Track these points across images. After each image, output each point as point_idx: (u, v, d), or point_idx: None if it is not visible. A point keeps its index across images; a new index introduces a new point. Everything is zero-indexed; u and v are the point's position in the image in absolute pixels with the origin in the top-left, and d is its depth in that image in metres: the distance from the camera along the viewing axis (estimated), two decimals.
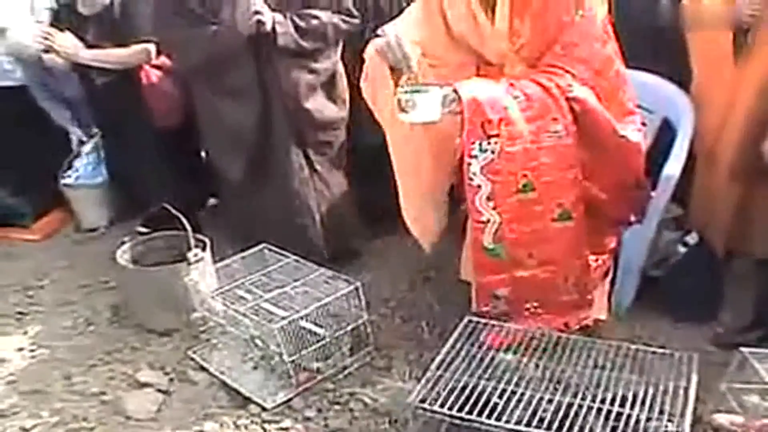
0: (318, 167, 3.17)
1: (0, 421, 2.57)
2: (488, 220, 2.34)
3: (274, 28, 2.89)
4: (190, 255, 2.91)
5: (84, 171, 3.89)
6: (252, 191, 3.19)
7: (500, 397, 2.21)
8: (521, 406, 2.17)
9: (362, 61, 2.53)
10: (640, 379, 2.26)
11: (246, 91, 3.00)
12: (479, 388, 2.25)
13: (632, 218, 2.63)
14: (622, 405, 2.16)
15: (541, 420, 2.12)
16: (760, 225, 2.61)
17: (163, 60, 3.40)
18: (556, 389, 2.25)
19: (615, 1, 2.82)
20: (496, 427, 2.10)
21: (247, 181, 3.17)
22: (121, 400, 2.62)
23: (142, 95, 3.43)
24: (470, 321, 2.50)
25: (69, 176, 3.88)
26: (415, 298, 3.13)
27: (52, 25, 3.50)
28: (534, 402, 2.19)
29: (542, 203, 2.33)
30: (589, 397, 2.20)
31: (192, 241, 2.94)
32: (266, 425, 2.48)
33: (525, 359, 2.37)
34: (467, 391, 2.23)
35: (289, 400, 2.57)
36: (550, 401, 2.20)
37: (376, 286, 3.16)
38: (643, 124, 2.55)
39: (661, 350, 2.38)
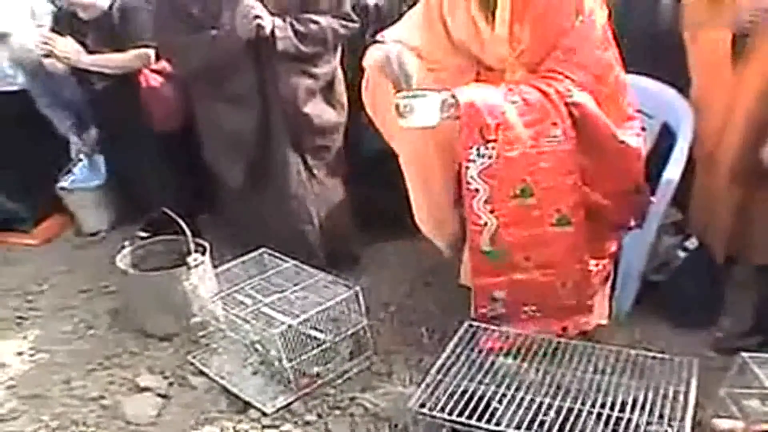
0: (316, 172, 3.17)
1: None
2: (486, 224, 2.35)
3: (273, 33, 2.89)
4: (189, 259, 2.91)
5: (80, 174, 3.90)
6: (251, 196, 3.19)
7: (500, 401, 2.21)
8: (521, 410, 2.17)
9: (362, 65, 2.54)
10: (640, 383, 2.26)
11: (245, 96, 3.01)
12: (479, 392, 2.25)
13: (632, 223, 2.63)
14: (622, 410, 2.16)
15: (541, 425, 2.12)
16: (760, 230, 2.61)
17: (163, 65, 3.40)
18: (556, 394, 2.25)
19: (615, 7, 2.83)
20: (495, 431, 2.10)
21: (247, 185, 3.17)
22: (120, 405, 2.62)
23: (142, 99, 3.43)
24: (470, 326, 2.50)
25: (65, 180, 3.88)
26: (415, 302, 3.13)
27: (52, 30, 3.50)
28: (534, 407, 2.19)
29: (541, 208, 2.33)
30: (589, 402, 2.20)
31: (192, 246, 2.94)
32: (266, 430, 2.48)
33: (525, 364, 2.37)
34: (467, 396, 2.23)
35: (289, 404, 2.57)
36: (550, 406, 2.20)
37: (376, 290, 3.16)
38: (643, 128, 2.55)
39: (661, 355, 2.37)
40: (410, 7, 2.68)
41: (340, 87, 3.19)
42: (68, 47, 3.39)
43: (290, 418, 2.52)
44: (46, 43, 3.39)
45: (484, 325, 2.49)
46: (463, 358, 2.40)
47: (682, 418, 2.09)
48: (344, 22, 3.06)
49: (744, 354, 2.15)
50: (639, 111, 2.55)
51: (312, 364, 2.64)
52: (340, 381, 2.66)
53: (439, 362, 2.37)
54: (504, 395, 2.24)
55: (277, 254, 2.94)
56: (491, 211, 2.33)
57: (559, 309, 2.50)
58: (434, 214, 2.71)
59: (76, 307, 3.29)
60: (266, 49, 2.93)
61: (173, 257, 3.05)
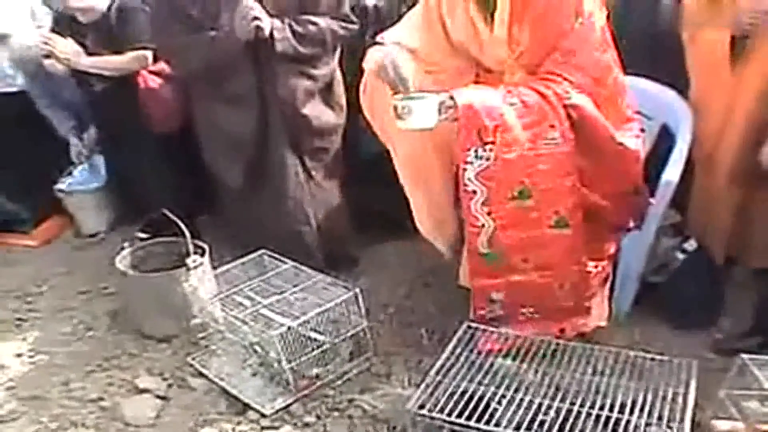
0: (314, 173, 3.17)
1: None
2: (483, 226, 2.35)
3: (272, 34, 2.89)
4: (189, 261, 2.91)
5: (79, 176, 3.90)
6: (249, 197, 3.19)
7: (499, 403, 2.22)
8: (520, 411, 2.18)
9: (361, 67, 2.54)
10: (639, 385, 2.26)
11: (244, 97, 3.00)
12: (478, 394, 2.25)
13: (631, 224, 2.63)
14: (621, 411, 2.16)
15: (540, 426, 2.12)
16: (759, 233, 2.61)
17: (162, 66, 3.40)
18: (555, 395, 2.25)
19: (614, 8, 2.84)
20: None
21: (245, 186, 3.17)
22: (119, 406, 2.62)
23: (140, 101, 3.43)
24: (469, 327, 2.50)
25: (63, 182, 3.88)
26: (414, 304, 3.13)
27: (53, 31, 3.51)
28: (533, 408, 2.19)
29: (538, 210, 2.33)
30: (588, 404, 2.20)
31: (191, 247, 2.94)
32: (265, 431, 2.48)
33: (524, 365, 2.37)
34: (466, 397, 2.23)
35: (288, 406, 2.56)
36: (549, 407, 2.20)
37: (375, 292, 3.16)
38: (642, 130, 2.56)
39: (660, 356, 2.37)
40: (410, 8, 2.68)
41: (339, 88, 3.19)
42: (68, 48, 3.39)
43: (289, 420, 2.51)
44: (46, 44, 3.39)
45: (483, 327, 2.49)
46: (462, 359, 2.40)
47: (682, 420, 2.09)
48: (343, 24, 3.06)
49: (743, 355, 2.16)
50: (638, 112, 2.55)
51: (311, 366, 2.63)
52: (339, 382, 2.66)
53: (438, 363, 2.37)
54: (503, 396, 2.24)
55: (276, 256, 2.94)
56: (489, 213, 2.33)
57: (557, 311, 2.50)
58: (434, 215, 2.72)
59: (75, 309, 3.28)
60: (265, 51, 2.92)
61: (173, 258, 3.05)
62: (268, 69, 2.97)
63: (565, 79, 2.30)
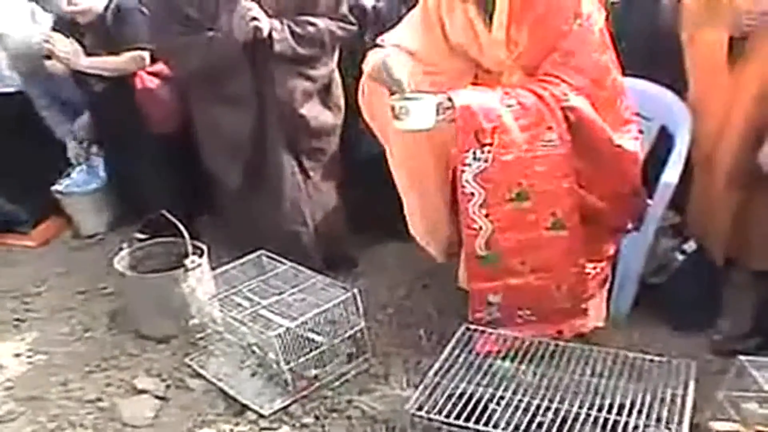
0: (311, 174, 3.17)
1: None
2: (481, 228, 2.35)
3: (270, 35, 2.89)
4: (187, 261, 2.91)
5: (77, 178, 3.89)
6: (248, 198, 3.18)
7: (497, 404, 2.22)
8: (518, 413, 2.18)
9: (360, 68, 2.54)
10: (638, 386, 2.26)
11: (242, 98, 3.00)
12: (477, 395, 2.25)
13: (630, 226, 2.63)
14: (619, 413, 2.16)
15: (539, 427, 2.12)
16: (758, 235, 2.61)
17: (160, 67, 3.40)
18: (553, 397, 2.25)
19: (613, 10, 2.84)
20: None
21: (244, 187, 3.16)
22: (117, 407, 2.62)
23: (137, 101, 3.43)
24: (468, 328, 2.50)
25: (60, 183, 3.88)
26: (413, 305, 3.13)
27: (54, 31, 3.51)
28: (531, 409, 2.19)
29: (536, 212, 2.33)
30: (587, 405, 2.20)
31: (189, 248, 2.94)
32: None
33: (522, 366, 2.37)
34: (465, 398, 2.23)
35: (287, 407, 2.56)
36: (547, 409, 2.20)
37: (374, 293, 3.16)
38: (640, 131, 2.55)
39: (658, 358, 2.37)
40: (409, 10, 2.67)
41: (337, 89, 3.19)
42: (68, 48, 3.39)
43: (288, 421, 2.51)
44: (47, 42, 3.39)
45: (481, 328, 2.48)
46: (460, 360, 2.40)
47: (680, 421, 2.09)
48: (342, 25, 3.06)
49: (742, 357, 2.16)
50: (637, 114, 2.55)
51: (310, 367, 2.63)
52: (337, 383, 2.66)
53: (436, 365, 2.37)
54: (501, 398, 2.24)
55: (274, 256, 2.94)
56: (487, 216, 2.33)
57: (555, 312, 2.50)
58: (428, 218, 2.70)
59: (73, 309, 3.28)
60: (263, 51, 2.92)
61: (171, 259, 3.05)
62: (267, 70, 2.97)
63: (564, 81, 2.30)
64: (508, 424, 2.13)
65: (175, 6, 2.96)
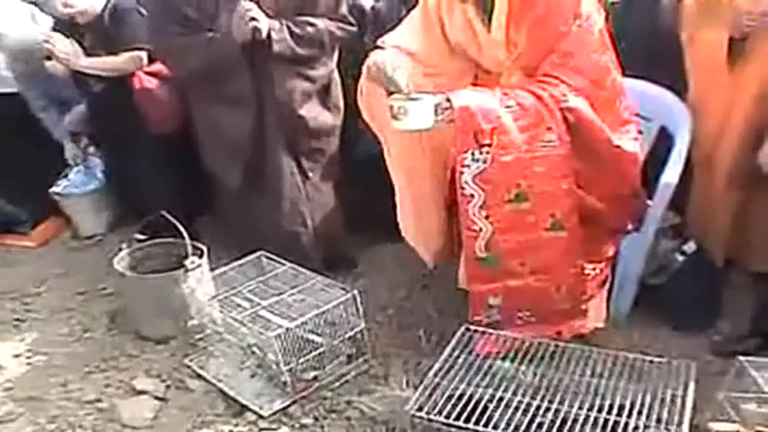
0: (310, 175, 3.16)
1: None
2: (481, 230, 2.35)
3: (269, 35, 2.89)
4: (187, 262, 2.91)
5: (74, 179, 3.89)
6: (248, 198, 3.18)
7: (497, 405, 2.21)
8: (518, 414, 2.18)
9: (360, 69, 2.54)
10: (638, 387, 2.25)
11: (242, 98, 3.00)
12: (476, 396, 2.25)
13: (629, 227, 2.63)
14: (619, 413, 2.16)
15: (539, 428, 2.12)
16: (758, 236, 2.61)
17: (159, 67, 3.40)
18: (553, 397, 2.25)
19: (613, 10, 2.84)
20: None
21: (243, 188, 3.16)
22: (117, 408, 2.62)
23: (135, 101, 3.43)
24: (467, 329, 2.49)
25: (58, 185, 3.88)
26: (413, 305, 3.13)
27: (55, 31, 3.51)
28: (531, 410, 2.19)
29: (535, 213, 2.33)
30: (587, 406, 2.20)
31: (189, 249, 2.94)
32: None
33: (522, 367, 2.37)
34: (464, 399, 2.23)
35: (286, 407, 2.56)
36: (547, 409, 2.20)
37: (374, 293, 3.15)
38: (640, 132, 2.55)
39: (658, 358, 2.37)
40: (409, 11, 2.68)
41: (337, 90, 3.19)
42: (68, 48, 3.39)
43: (287, 422, 2.51)
44: (47, 41, 3.39)
45: (481, 329, 2.48)
46: (460, 361, 2.40)
47: (680, 422, 2.09)
48: (341, 25, 3.06)
49: (742, 358, 2.16)
50: (637, 114, 2.54)
51: (309, 368, 2.63)
52: (337, 384, 2.66)
53: (436, 365, 2.37)
54: (501, 399, 2.24)
55: (274, 257, 2.94)
56: (486, 217, 2.33)
57: (554, 314, 2.50)
58: (422, 220, 2.70)
59: (73, 310, 3.28)
60: (262, 52, 2.92)
61: (171, 260, 3.05)
62: (266, 70, 2.97)
63: (563, 81, 2.29)
64: (507, 425, 2.13)
65: (174, 6, 2.96)
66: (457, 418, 2.15)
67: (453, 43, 2.51)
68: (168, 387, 2.72)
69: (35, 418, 2.61)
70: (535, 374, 2.34)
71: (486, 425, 2.13)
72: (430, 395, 2.26)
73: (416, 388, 2.35)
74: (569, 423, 2.14)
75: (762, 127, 2.47)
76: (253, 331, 2.64)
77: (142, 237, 3.50)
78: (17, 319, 3.24)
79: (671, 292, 2.82)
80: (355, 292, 2.68)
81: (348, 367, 2.71)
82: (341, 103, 3.19)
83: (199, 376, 2.75)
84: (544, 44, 2.33)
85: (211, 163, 3.23)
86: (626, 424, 2.12)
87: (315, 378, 2.64)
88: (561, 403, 2.22)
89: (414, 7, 2.63)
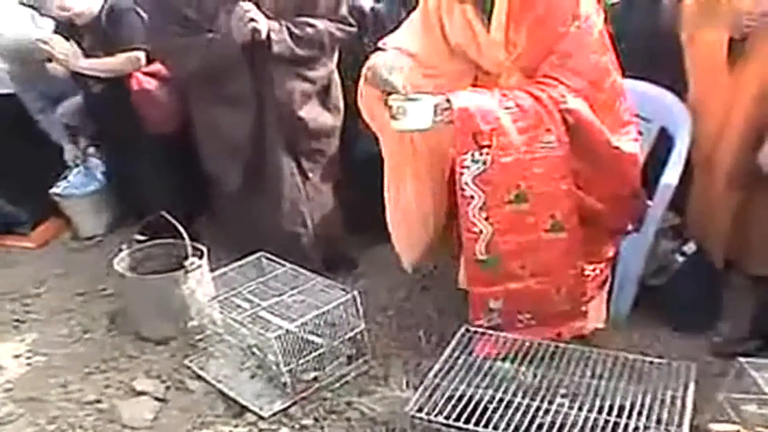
0: (310, 175, 3.16)
1: None
2: (481, 232, 2.34)
3: (269, 36, 2.89)
4: (187, 263, 2.91)
5: (74, 180, 3.89)
6: (247, 199, 3.18)
7: (497, 406, 2.21)
8: (518, 415, 2.17)
9: (360, 70, 2.53)
10: (638, 388, 2.25)
11: (241, 99, 3.00)
12: (476, 397, 2.25)
13: (629, 227, 2.63)
14: (619, 414, 2.16)
15: (539, 429, 2.12)
16: (758, 238, 2.61)
17: (158, 67, 3.40)
18: (553, 398, 2.25)
19: (613, 11, 2.83)
20: None
21: (243, 188, 3.16)
22: (117, 409, 2.62)
23: (133, 102, 3.43)
24: (467, 330, 2.49)
25: (58, 186, 3.88)
26: (413, 306, 3.12)
27: (56, 33, 3.51)
28: (531, 411, 2.19)
29: (534, 214, 2.33)
30: (587, 407, 2.20)
31: (189, 249, 2.94)
32: None
33: (522, 368, 2.37)
34: (464, 400, 2.23)
35: (286, 408, 2.56)
36: (547, 410, 2.20)
37: (374, 294, 3.15)
38: (640, 133, 2.55)
39: (658, 359, 2.37)
40: (409, 12, 2.68)
41: (337, 91, 3.19)
42: (67, 50, 3.39)
43: (287, 422, 2.51)
44: (46, 44, 3.39)
45: (481, 330, 2.48)
46: (460, 362, 2.40)
47: (680, 423, 2.09)
48: (341, 26, 3.06)
49: (742, 359, 2.15)
50: (637, 115, 2.54)
51: (309, 368, 2.63)
52: (337, 385, 2.66)
53: (436, 366, 2.37)
54: (501, 399, 2.24)
55: (274, 258, 2.94)
56: (486, 219, 2.33)
57: (554, 315, 2.50)
58: (410, 224, 2.69)
59: (73, 311, 3.28)
60: (262, 53, 2.92)
61: (171, 261, 3.05)
62: (266, 71, 2.97)
63: (562, 83, 2.29)
64: (507, 425, 2.13)
65: (174, 7, 2.96)
66: (457, 419, 2.15)
67: (453, 44, 2.51)
68: (168, 388, 2.71)
69: (35, 419, 2.61)
70: (535, 375, 2.34)
71: (486, 426, 2.13)
72: (430, 396, 2.26)
73: (416, 388, 2.35)
74: (569, 424, 2.14)
75: (762, 127, 2.47)
76: (253, 332, 2.64)
77: (142, 238, 3.51)
78: (17, 320, 3.24)
79: (671, 292, 2.82)
80: (355, 292, 2.68)
81: (348, 368, 2.71)
82: (341, 104, 3.19)
83: (199, 377, 2.75)
84: (544, 45, 2.33)
85: (211, 164, 3.23)
86: (626, 425, 2.11)
87: (315, 379, 2.64)
88: (561, 404, 2.22)
89: (414, 8, 2.63)
